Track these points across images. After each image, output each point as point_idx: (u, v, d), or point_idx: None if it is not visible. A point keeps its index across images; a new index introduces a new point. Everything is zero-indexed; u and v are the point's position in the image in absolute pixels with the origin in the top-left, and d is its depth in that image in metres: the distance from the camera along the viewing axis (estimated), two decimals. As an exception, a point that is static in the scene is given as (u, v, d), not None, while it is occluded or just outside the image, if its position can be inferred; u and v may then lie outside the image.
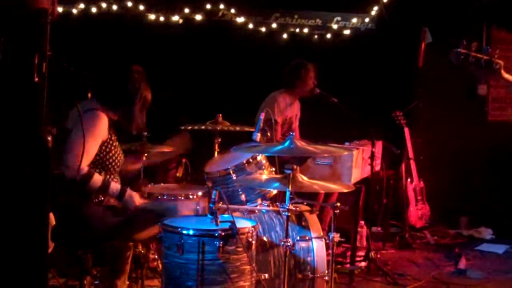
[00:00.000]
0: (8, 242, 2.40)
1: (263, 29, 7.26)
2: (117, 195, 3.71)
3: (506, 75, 3.17)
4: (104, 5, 6.81)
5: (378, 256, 5.69)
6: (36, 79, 2.40)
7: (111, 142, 3.76)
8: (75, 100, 3.51)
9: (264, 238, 3.73)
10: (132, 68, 3.85)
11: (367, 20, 7.45)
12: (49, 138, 2.40)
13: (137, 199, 3.79)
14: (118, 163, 3.82)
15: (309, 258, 3.79)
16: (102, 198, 3.69)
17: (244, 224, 3.42)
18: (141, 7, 6.92)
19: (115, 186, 3.71)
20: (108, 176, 3.71)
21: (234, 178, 4.04)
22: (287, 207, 3.42)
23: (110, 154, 3.75)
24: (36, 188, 2.40)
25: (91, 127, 3.61)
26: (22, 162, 2.38)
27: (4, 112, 2.40)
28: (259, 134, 4.30)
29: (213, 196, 3.24)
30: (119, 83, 3.80)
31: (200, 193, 4.39)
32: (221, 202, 3.26)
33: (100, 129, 3.66)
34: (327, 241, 3.62)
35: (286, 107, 5.91)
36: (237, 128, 4.78)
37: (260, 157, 4.15)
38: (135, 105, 3.83)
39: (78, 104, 3.47)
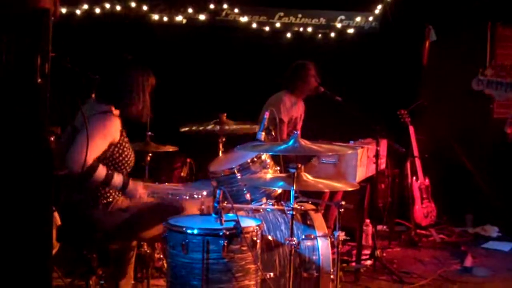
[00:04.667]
0: (11, 243, 2.40)
1: (267, 29, 7.25)
2: (120, 187, 3.68)
3: None
4: (107, 5, 6.82)
5: (384, 254, 5.67)
6: (39, 80, 2.40)
7: (123, 143, 3.75)
8: (78, 102, 3.51)
9: (269, 237, 3.73)
10: (127, 64, 3.84)
11: (371, 18, 7.44)
12: (52, 139, 2.40)
13: (141, 190, 3.77)
14: (130, 164, 3.82)
15: (314, 257, 3.78)
16: (111, 199, 3.68)
17: (248, 223, 3.41)
18: (145, 8, 6.92)
19: (118, 177, 3.67)
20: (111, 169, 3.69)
21: (239, 177, 4.03)
22: (292, 206, 3.42)
23: (123, 155, 3.74)
24: (39, 189, 2.40)
25: (101, 126, 3.60)
26: (24, 162, 2.39)
27: (6, 112, 2.40)
28: (263, 133, 4.30)
29: (217, 196, 3.23)
30: (122, 83, 3.78)
31: (204, 193, 4.39)
32: (225, 201, 3.26)
33: (110, 130, 3.64)
34: (333, 239, 3.62)
35: (291, 107, 5.90)
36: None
37: (264, 156, 4.14)
38: (145, 96, 3.83)
39: (81, 106, 3.46)
